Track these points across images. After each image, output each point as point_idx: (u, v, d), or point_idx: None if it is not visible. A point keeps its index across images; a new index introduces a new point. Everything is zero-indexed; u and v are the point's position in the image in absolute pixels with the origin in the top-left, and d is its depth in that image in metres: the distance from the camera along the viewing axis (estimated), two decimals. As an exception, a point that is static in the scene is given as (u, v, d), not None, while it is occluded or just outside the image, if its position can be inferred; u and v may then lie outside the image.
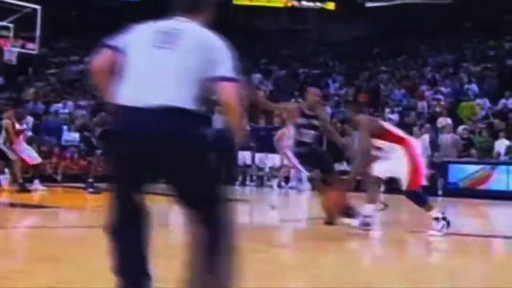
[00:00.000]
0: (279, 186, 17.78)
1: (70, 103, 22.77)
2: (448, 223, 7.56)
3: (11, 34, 15.73)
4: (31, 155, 13.97)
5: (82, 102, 23.32)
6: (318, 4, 34.90)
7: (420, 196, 7.68)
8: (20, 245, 6.94)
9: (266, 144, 18.03)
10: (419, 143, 8.95)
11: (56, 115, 21.48)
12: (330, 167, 8.82)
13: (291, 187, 17.66)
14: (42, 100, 24.07)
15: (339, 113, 22.23)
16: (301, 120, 8.40)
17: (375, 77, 26.78)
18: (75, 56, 31.20)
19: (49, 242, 6.87)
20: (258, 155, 18.39)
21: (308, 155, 8.39)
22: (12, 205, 11.24)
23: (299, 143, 8.47)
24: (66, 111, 21.99)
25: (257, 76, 27.94)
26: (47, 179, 15.27)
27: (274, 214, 11.38)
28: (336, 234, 7.70)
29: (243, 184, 18.48)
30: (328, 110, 22.43)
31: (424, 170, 8.08)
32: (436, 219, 7.55)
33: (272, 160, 18.05)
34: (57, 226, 8.53)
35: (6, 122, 13.72)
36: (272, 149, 17.74)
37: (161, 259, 3.70)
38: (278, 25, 34.41)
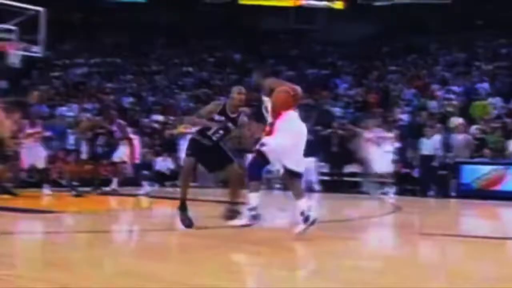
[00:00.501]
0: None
1: (75, 106, 22.81)
2: (257, 217, 7.43)
3: (15, 37, 15.78)
4: (32, 158, 14.05)
5: (87, 105, 23.35)
6: (327, 3, 34.86)
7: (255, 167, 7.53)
8: (26, 251, 6.95)
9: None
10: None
11: (61, 118, 21.50)
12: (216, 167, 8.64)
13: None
14: (47, 103, 24.12)
15: (348, 114, 22.26)
16: (217, 117, 8.20)
17: (385, 76, 26.74)
18: (80, 58, 31.30)
19: (55, 248, 6.88)
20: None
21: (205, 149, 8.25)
22: (18, 210, 11.26)
23: (206, 136, 8.26)
24: (71, 114, 22.02)
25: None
26: (52, 184, 15.32)
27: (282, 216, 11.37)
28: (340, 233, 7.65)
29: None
30: (337, 110, 22.45)
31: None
32: (251, 209, 7.40)
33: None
34: (64, 231, 8.55)
35: (7, 124, 13.81)
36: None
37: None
38: (285, 25, 34.38)
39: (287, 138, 7.26)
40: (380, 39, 30.91)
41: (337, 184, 18.44)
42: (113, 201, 14.12)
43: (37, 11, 16.27)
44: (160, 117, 22.86)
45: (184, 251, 6.78)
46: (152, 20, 32.70)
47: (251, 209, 7.35)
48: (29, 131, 14.15)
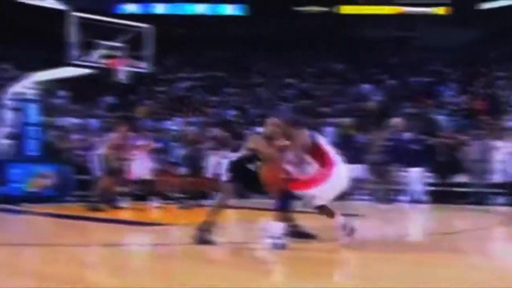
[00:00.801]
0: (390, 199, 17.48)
1: (179, 119, 23.33)
2: (283, 246, 7.17)
3: (123, 54, 16.29)
4: (140, 170, 14.43)
5: (191, 119, 23.84)
6: (428, 9, 34.22)
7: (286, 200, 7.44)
8: (135, 262, 7.13)
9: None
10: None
11: (166, 132, 22.05)
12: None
13: (404, 200, 17.29)
14: (152, 117, 24.80)
15: (453, 122, 21.70)
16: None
17: (492, 83, 25.92)
18: (183, 73, 32.01)
19: (164, 260, 7.02)
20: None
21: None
22: (127, 222, 11.59)
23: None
24: (176, 128, 22.53)
25: (367, 87, 27.69)
26: (159, 196, 15.64)
27: (388, 228, 11.18)
28: (454, 246, 7.46)
29: (357, 198, 18.25)
30: (442, 119, 21.94)
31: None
32: (275, 235, 7.21)
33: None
34: (173, 243, 8.70)
35: (112, 138, 14.27)
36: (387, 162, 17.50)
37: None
38: (386, 33, 34.00)
39: (335, 190, 7.48)
40: (486, 44, 30.04)
41: (444, 194, 17.96)
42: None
43: (144, 28, 16.73)
44: (263, 129, 22.98)
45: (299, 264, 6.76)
46: (253, 33, 33.08)
47: (275, 237, 7.18)
48: (139, 143, 14.55)
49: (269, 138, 8.14)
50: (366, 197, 18.19)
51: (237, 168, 8.13)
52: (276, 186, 7.48)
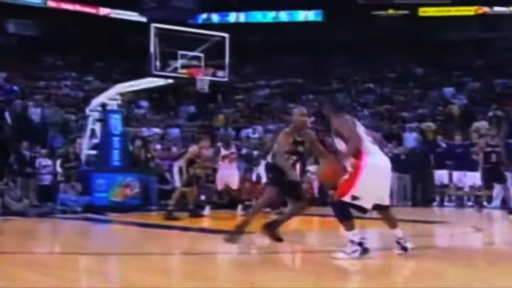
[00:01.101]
0: (481, 206, 17.02)
1: (259, 127, 23.43)
2: (365, 250, 7.02)
3: (201, 63, 16.48)
4: (227, 180, 14.54)
5: (271, 126, 23.90)
6: (512, 8, 33.32)
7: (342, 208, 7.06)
8: (218, 270, 7.17)
9: (464, 162, 17.41)
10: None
11: (246, 140, 22.21)
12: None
13: (496, 207, 16.80)
14: (232, 126, 25.01)
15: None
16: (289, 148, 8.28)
17: None
18: (261, 80, 32.16)
19: (248, 268, 7.04)
20: (455, 174, 17.70)
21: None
22: (210, 231, 11.69)
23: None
24: (256, 136, 22.65)
25: (449, 91, 27.14)
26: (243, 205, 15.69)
27: (477, 236, 10.90)
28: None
29: (441, 205, 17.89)
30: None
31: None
32: (351, 242, 7.00)
33: (472, 178, 17.29)
34: (252, 251, 8.72)
35: (193, 148, 14.43)
36: (471, 167, 17.08)
37: None
38: (468, 34, 33.23)
39: (376, 181, 7.00)
40: None
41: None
42: (299, 221, 14.24)
43: (222, 37, 16.88)
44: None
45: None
46: (330, 38, 32.93)
47: (355, 244, 7.04)
48: (225, 152, 14.66)
49: (298, 129, 8.23)
50: (451, 203, 17.81)
51: (277, 171, 8.21)
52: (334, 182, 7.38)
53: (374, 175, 6.91)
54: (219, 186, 14.96)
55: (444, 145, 18.61)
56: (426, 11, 33.94)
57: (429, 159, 18.65)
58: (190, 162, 14.03)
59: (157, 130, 22.89)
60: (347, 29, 32.95)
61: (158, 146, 19.91)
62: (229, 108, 28.23)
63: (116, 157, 16.84)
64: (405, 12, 34.32)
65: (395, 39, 32.21)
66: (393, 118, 25.01)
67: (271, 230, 8.50)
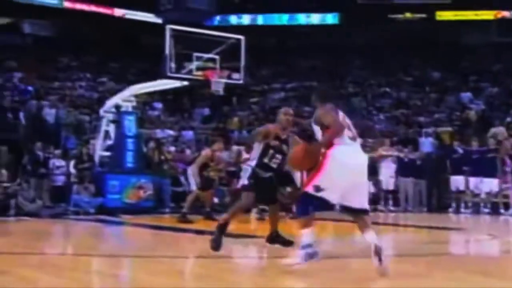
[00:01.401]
0: (499, 212, 16.94)
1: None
2: (313, 255, 6.48)
3: (217, 65, 16.51)
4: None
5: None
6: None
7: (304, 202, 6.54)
8: (229, 274, 7.17)
9: (481, 167, 17.31)
10: None
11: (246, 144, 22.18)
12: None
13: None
14: (246, 129, 25.00)
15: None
16: (272, 142, 8.09)
17: None
18: (277, 83, 32.14)
19: (264, 272, 7.03)
20: (472, 180, 17.59)
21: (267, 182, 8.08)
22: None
23: (264, 166, 8.08)
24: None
25: (466, 95, 27.01)
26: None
27: (494, 243, 10.83)
28: None
29: (457, 211, 17.79)
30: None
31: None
32: (302, 247, 6.50)
33: (489, 184, 17.18)
34: (265, 255, 8.71)
35: (206, 152, 14.41)
36: (488, 173, 16.99)
37: None
38: (486, 39, 33.06)
39: (344, 178, 6.41)
40: None
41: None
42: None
43: (238, 39, 16.90)
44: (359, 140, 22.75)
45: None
46: (347, 41, 32.89)
47: (304, 247, 6.52)
48: (246, 156, 14.67)
49: (282, 128, 8.18)
50: (468, 210, 17.70)
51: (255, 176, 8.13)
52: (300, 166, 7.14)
53: (339, 169, 6.39)
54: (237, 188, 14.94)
55: (460, 150, 18.51)
56: (443, 15, 33.79)
57: (445, 164, 18.55)
58: (204, 166, 14.00)
59: (171, 132, 22.92)
60: (364, 32, 32.90)
61: (172, 148, 19.93)
62: (243, 110, 28.24)
63: (129, 158, 16.89)
64: (422, 15, 34.19)
65: (412, 42, 32.11)
66: (409, 123, 24.93)
67: (277, 239, 8.41)
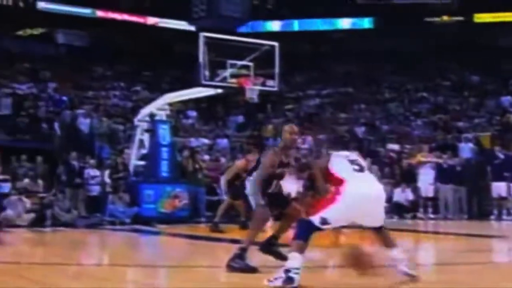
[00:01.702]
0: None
1: (309, 138, 23.34)
2: (293, 281, 6.22)
3: (251, 72, 16.53)
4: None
5: (321, 137, 23.81)
6: None
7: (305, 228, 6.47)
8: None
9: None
10: None
11: (296, 151, 22.13)
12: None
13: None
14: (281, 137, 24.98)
15: None
16: (278, 171, 7.73)
17: None
18: (311, 89, 32.08)
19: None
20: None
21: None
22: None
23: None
24: (306, 146, 22.57)
25: (506, 99, 26.64)
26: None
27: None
28: None
29: (499, 218, 17.55)
30: None
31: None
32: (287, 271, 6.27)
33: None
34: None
35: (240, 162, 14.34)
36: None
37: None
38: (526, 40, 32.62)
39: (357, 210, 6.49)
40: None
41: None
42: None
43: (272, 45, 16.91)
44: (396, 146, 22.63)
45: None
46: (382, 46, 32.69)
47: (288, 271, 6.31)
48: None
49: (286, 148, 7.86)
50: (510, 217, 17.45)
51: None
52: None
53: (352, 203, 6.47)
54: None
55: (502, 155, 18.26)
56: (481, 17, 33.42)
57: (485, 170, 18.33)
58: (237, 175, 13.95)
59: (205, 140, 23.00)
60: (399, 36, 32.66)
61: (206, 157, 19.98)
62: (278, 118, 28.21)
63: (164, 167, 17.00)
64: (460, 18, 33.86)
65: (449, 46, 31.82)
66: (448, 128, 24.66)
67: (272, 249, 8.17)
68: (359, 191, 6.46)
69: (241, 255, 7.54)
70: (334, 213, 6.42)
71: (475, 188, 18.46)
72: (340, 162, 6.78)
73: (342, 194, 6.47)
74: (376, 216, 6.69)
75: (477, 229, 14.55)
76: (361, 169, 6.75)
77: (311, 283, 6.62)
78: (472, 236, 12.99)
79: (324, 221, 6.40)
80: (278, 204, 8.08)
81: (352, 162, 6.79)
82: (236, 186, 13.81)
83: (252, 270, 7.41)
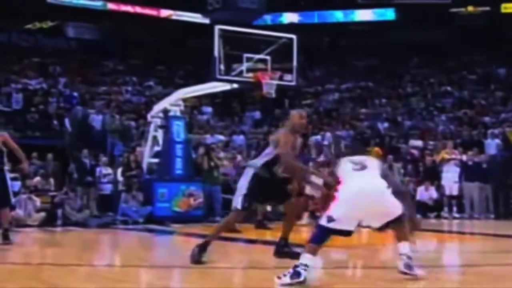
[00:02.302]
0: None
1: (328, 134, 23.30)
2: (300, 275, 6.58)
3: (268, 66, 16.48)
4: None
5: (341, 132, 23.77)
6: None
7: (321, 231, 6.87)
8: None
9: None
10: None
11: (315, 148, 22.10)
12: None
13: None
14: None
15: None
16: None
17: None
18: (331, 84, 32.02)
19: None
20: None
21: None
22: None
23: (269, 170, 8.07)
24: (326, 142, 22.54)
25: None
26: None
27: None
28: None
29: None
30: None
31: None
32: (302, 265, 6.64)
33: None
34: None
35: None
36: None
37: None
38: (556, 32, 32.36)
39: (357, 205, 6.86)
40: None
41: None
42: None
43: (290, 38, 16.88)
44: (419, 143, 22.56)
45: None
46: (404, 39, 32.57)
47: (296, 266, 6.71)
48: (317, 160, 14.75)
49: (295, 132, 8.04)
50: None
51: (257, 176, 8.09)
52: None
53: (351, 198, 6.88)
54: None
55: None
56: (509, 7, 33.19)
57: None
58: None
59: (221, 137, 23.02)
60: (423, 28, 32.50)
61: (222, 154, 19.99)
62: (296, 113, 28.17)
63: (179, 165, 17.03)
64: (486, 8, 33.64)
65: (475, 37, 31.64)
66: (473, 124, 24.55)
67: (286, 250, 8.42)
68: (354, 187, 6.92)
69: (204, 247, 8.17)
70: (336, 210, 6.82)
71: (501, 186, 18.37)
72: (343, 164, 7.26)
73: (340, 192, 6.95)
74: (380, 211, 6.97)
75: (505, 229, 14.48)
76: (362, 168, 7.15)
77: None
78: (499, 236, 12.94)
79: (330, 219, 6.78)
80: (275, 196, 8.36)
81: (354, 162, 7.23)
82: None
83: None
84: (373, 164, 7.27)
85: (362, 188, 6.89)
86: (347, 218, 6.81)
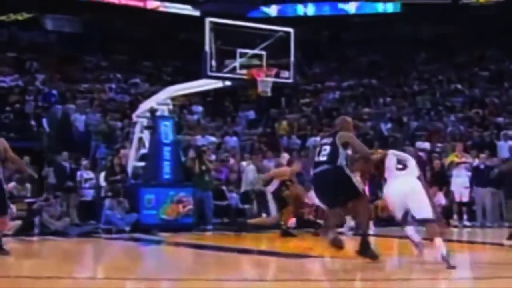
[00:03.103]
0: None
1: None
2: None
3: (263, 62, 16.45)
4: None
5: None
6: None
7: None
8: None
9: None
10: None
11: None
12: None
13: None
14: (297, 134, 25.00)
15: None
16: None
17: None
18: (331, 82, 32.05)
19: None
20: None
21: None
22: (273, 254, 11.70)
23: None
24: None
25: None
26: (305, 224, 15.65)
27: None
28: None
29: None
30: None
31: None
32: None
33: None
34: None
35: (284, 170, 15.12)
36: None
37: None
38: None
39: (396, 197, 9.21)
40: None
41: None
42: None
43: (287, 32, 16.87)
44: (426, 145, 22.61)
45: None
46: (410, 33, 32.69)
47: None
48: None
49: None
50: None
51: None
52: None
53: (394, 199, 9.26)
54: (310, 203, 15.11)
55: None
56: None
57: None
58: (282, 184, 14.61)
59: (212, 138, 23.03)
60: (430, 21, 32.61)
61: (213, 157, 19.99)
62: (294, 113, 28.23)
63: (167, 169, 17.02)
64: (500, -1, 33.71)
65: (487, 31, 31.72)
66: (485, 124, 24.62)
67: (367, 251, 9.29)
68: (394, 189, 9.12)
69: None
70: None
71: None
72: (391, 159, 9.28)
73: (385, 194, 9.45)
74: (418, 207, 8.92)
75: None
76: (403, 168, 9.20)
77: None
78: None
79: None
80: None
81: (398, 159, 9.30)
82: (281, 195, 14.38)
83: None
84: (412, 164, 9.24)
85: (400, 190, 9.00)
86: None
